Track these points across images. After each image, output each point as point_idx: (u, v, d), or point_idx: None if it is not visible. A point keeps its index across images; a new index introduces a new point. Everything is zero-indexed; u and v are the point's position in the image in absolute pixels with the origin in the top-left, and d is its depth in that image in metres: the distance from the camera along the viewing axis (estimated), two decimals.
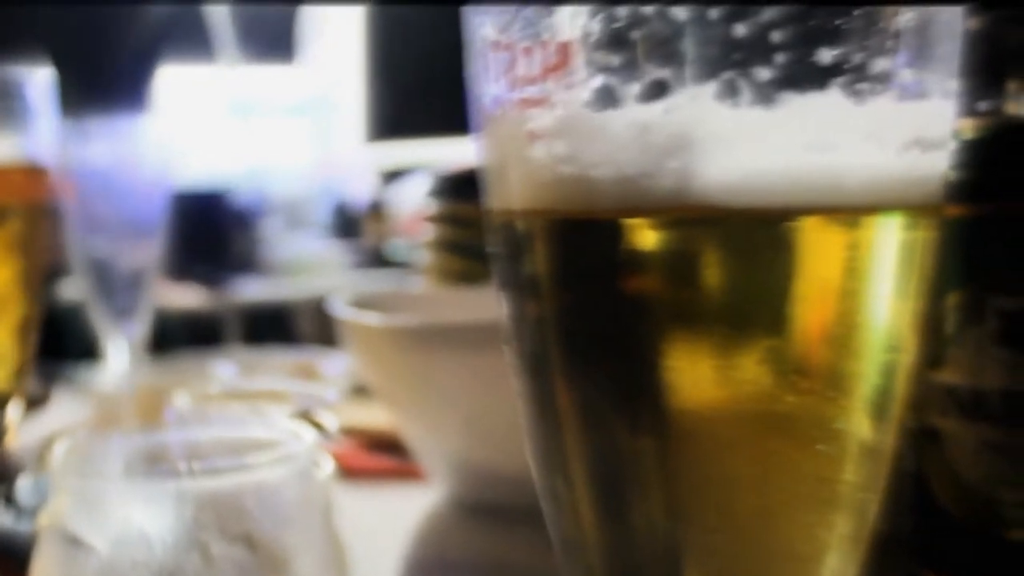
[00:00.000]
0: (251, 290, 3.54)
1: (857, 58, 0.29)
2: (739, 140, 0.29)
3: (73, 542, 0.58)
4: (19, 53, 0.80)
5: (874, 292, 0.31)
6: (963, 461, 0.60)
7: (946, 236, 0.32)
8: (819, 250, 0.30)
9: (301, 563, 0.59)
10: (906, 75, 0.30)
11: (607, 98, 0.30)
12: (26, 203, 0.81)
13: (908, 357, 0.33)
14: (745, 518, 0.32)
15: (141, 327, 1.32)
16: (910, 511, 0.62)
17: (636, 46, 0.30)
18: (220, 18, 3.84)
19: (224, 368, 1.11)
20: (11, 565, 0.66)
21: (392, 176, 3.75)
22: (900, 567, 0.64)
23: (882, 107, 0.29)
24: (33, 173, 0.82)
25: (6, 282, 0.82)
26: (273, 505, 0.59)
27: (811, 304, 0.30)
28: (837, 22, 0.29)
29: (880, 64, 0.29)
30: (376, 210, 3.85)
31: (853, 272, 0.31)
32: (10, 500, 0.81)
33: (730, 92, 0.29)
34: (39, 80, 0.81)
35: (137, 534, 0.58)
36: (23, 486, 0.83)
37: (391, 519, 0.89)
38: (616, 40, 0.30)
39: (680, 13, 0.29)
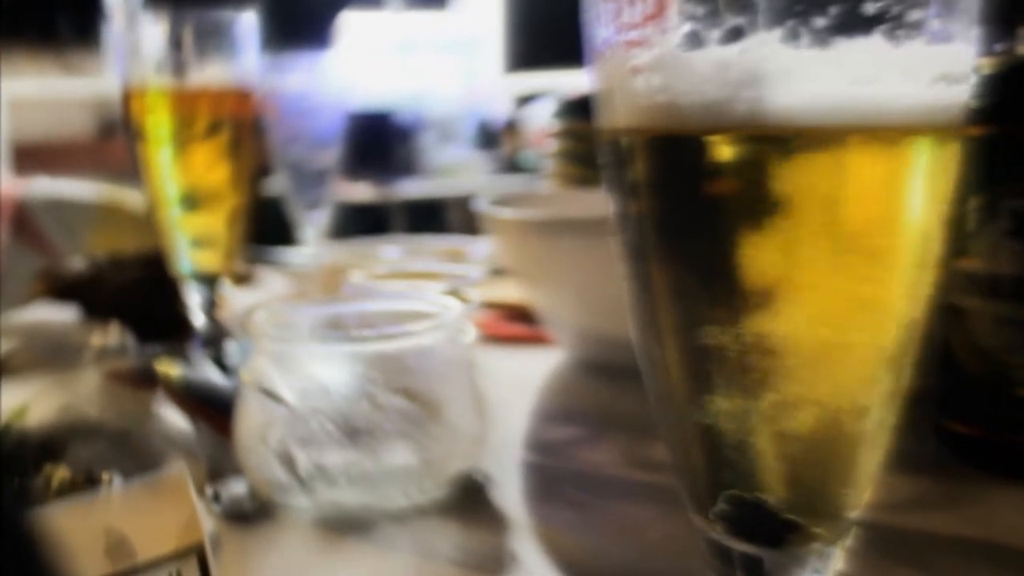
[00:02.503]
0: (412, 189, 3.55)
1: (896, 9, 0.29)
2: (799, 75, 0.29)
3: (267, 395, 0.60)
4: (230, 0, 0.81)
5: (910, 197, 0.31)
6: (982, 332, 0.59)
7: (968, 152, 0.32)
8: (864, 163, 0.30)
9: (450, 410, 0.60)
10: (935, 23, 0.29)
11: (694, 41, 0.30)
12: (236, 118, 0.83)
13: (937, 248, 0.32)
14: (805, 379, 0.32)
15: (325, 217, 1.34)
16: (938, 373, 0.62)
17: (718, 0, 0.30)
18: None
19: (390, 252, 1.12)
20: (219, 415, 0.67)
21: (525, 100, 3.73)
22: (928, 417, 0.64)
23: (915, 49, 0.29)
24: (242, 95, 0.83)
25: (221, 180, 0.83)
26: (428, 364, 0.60)
27: (858, 206, 0.30)
28: None
29: (914, 14, 0.29)
30: (511, 127, 3.82)
31: (893, 180, 0.31)
32: (219, 360, 0.83)
33: (792, 36, 0.29)
34: (246, 21, 0.82)
35: (319, 388, 0.59)
36: (230, 350, 0.85)
37: (523, 376, 0.89)
38: None
39: None
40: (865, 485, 0.35)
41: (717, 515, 0.35)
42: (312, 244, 1.32)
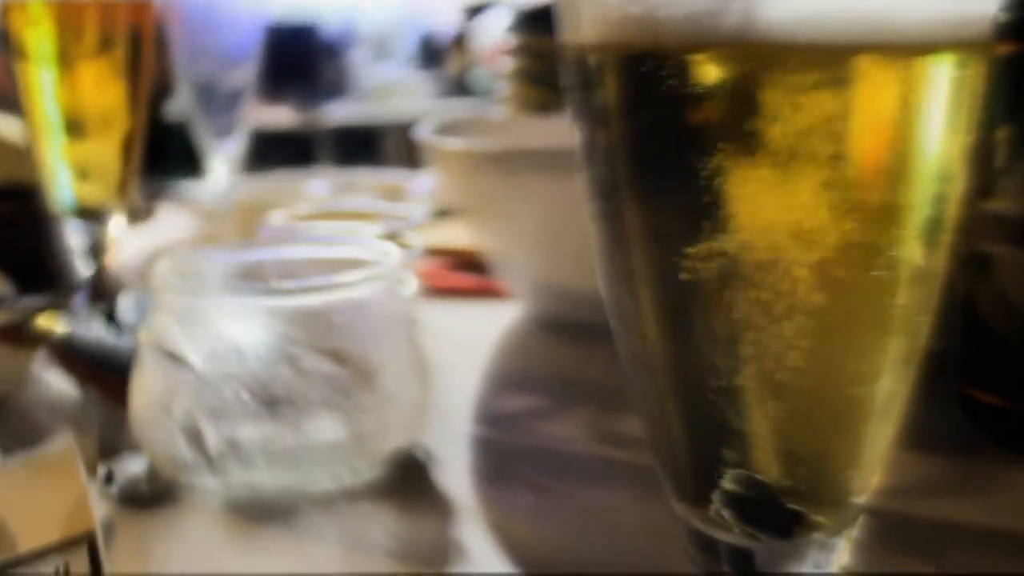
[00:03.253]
0: (341, 113, 3.53)
1: None
2: None
3: (170, 357, 0.59)
4: None
5: (926, 126, 0.31)
6: (1012, 284, 0.59)
7: (995, 73, 0.32)
8: (873, 86, 0.30)
9: (386, 376, 0.60)
10: None
11: None
12: (132, 30, 0.82)
13: (959, 187, 0.32)
14: (802, 339, 0.32)
15: (238, 146, 1.33)
16: (959, 334, 0.62)
17: None
18: None
19: (316, 188, 1.12)
20: (112, 380, 0.66)
21: (475, 10, 3.70)
22: (948, 386, 0.65)
23: None
24: (139, 4, 0.82)
25: (112, 101, 0.82)
26: (361, 321, 0.60)
27: (865, 137, 0.30)
28: None
29: None
30: (459, 42, 3.80)
31: (906, 107, 0.30)
32: (112, 317, 0.81)
33: None
34: None
35: (231, 349, 0.58)
36: (124, 303, 0.83)
37: (472, 334, 0.89)
38: None
39: None
40: (874, 466, 0.35)
41: (716, 499, 0.35)
42: (223, 178, 1.31)
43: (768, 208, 0.31)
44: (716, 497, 0.35)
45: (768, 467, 0.34)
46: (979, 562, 0.52)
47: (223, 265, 0.67)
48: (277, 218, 0.84)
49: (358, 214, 0.88)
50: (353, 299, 0.60)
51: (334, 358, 0.59)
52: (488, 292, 0.99)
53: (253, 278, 0.66)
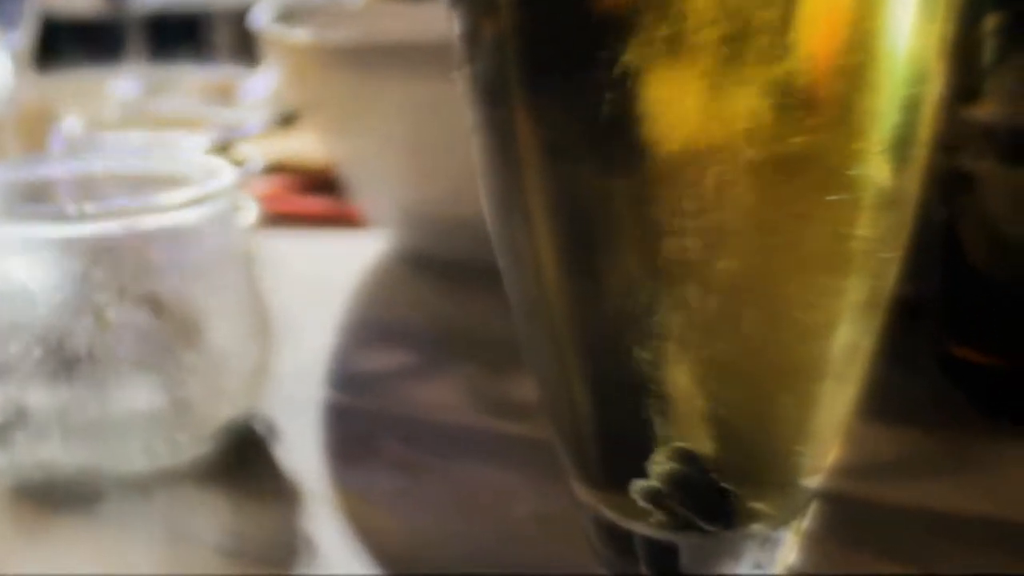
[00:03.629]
0: None
1: None
2: None
3: None
4: None
5: (894, 10, 0.31)
6: (1002, 211, 0.60)
7: None
8: None
9: (216, 328, 0.60)
10: None
11: None
12: None
13: (935, 89, 0.32)
14: (738, 279, 0.32)
15: (25, 36, 1.31)
16: (937, 273, 0.63)
17: None
18: None
19: (124, 87, 1.11)
20: None
21: None
22: (924, 339, 0.65)
23: None
24: None
25: None
26: (182, 258, 0.59)
27: (819, 24, 0.30)
28: None
29: None
30: None
31: None
32: None
33: None
34: None
35: (18, 292, 0.57)
36: None
37: (324, 274, 0.89)
38: None
39: None
40: (830, 440, 0.35)
41: (632, 482, 0.35)
42: (5, 76, 1.29)
43: (697, 114, 0.31)
44: (636, 481, 0.35)
45: (697, 440, 0.34)
46: (964, 561, 0.52)
47: (4, 185, 0.66)
48: (72, 125, 0.83)
49: (178, 121, 0.87)
50: (172, 229, 0.59)
51: (149, 305, 0.58)
52: (343, 220, 0.99)
53: (42, 200, 0.65)
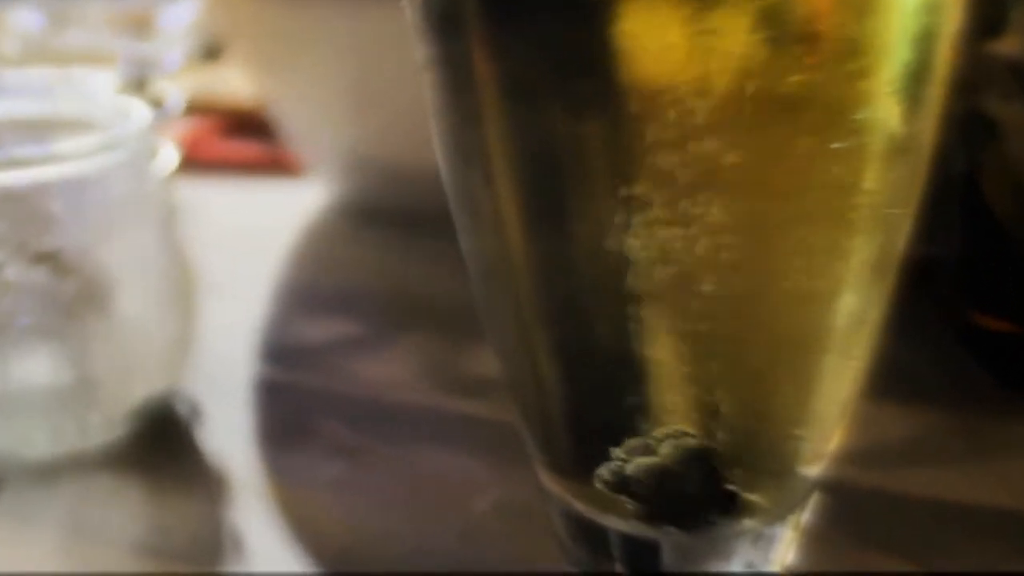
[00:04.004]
0: None
1: None
2: None
3: None
4: None
5: None
6: None
7: None
8: None
9: (128, 292, 0.59)
10: None
11: None
12: None
13: (953, 20, 0.32)
14: (727, 235, 0.32)
15: None
16: (956, 231, 0.63)
17: None
18: None
19: (24, 18, 1.10)
20: None
21: None
22: (942, 307, 0.65)
23: None
24: None
25: None
26: (90, 211, 0.59)
27: None
28: None
29: None
30: None
31: None
32: None
33: None
34: None
35: None
36: None
37: (255, 229, 0.89)
38: None
39: None
40: (833, 423, 0.35)
41: (606, 470, 0.35)
42: None
43: (681, 47, 0.31)
44: (607, 467, 0.35)
45: (680, 422, 0.34)
46: (983, 557, 0.52)
47: None
48: None
49: (86, 56, 0.87)
50: (78, 178, 0.59)
51: (51, 265, 0.58)
52: (276, 167, 0.99)
53: None
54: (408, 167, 0.74)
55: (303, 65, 0.86)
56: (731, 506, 0.35)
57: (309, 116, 0.90)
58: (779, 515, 0.35)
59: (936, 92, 0.33)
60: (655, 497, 0.35)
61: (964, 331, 0.64)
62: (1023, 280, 0.61)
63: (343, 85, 0.85)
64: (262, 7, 0.85)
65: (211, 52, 1.03)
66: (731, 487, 0.34)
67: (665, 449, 0.34)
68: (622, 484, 0.35)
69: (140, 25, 1.08)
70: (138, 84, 0.68)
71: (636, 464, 0.34)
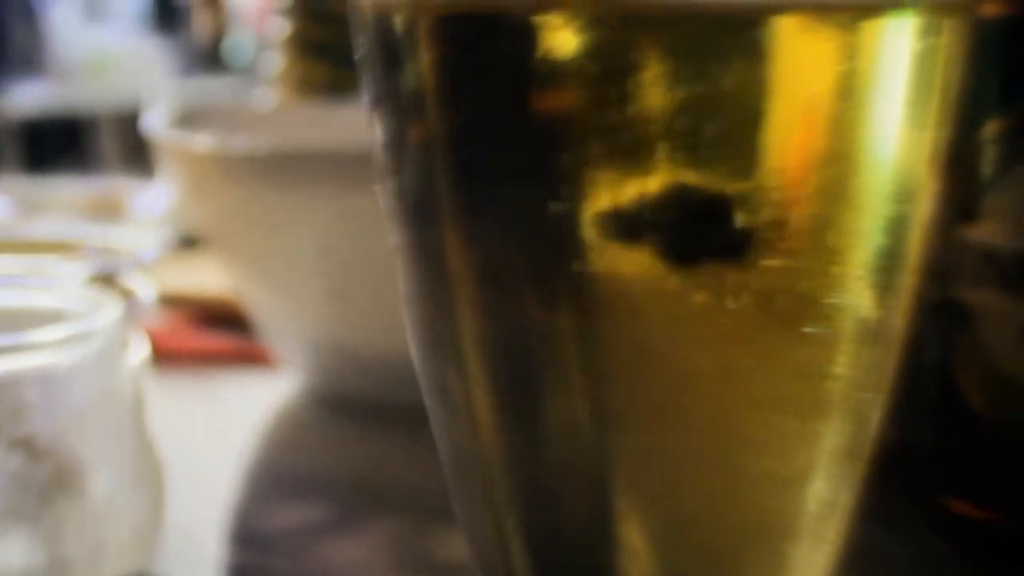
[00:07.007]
0: (34, 96, 3.52)
1: None
2: None
3: None
4: None
5: (877, 119, 0.31)
6: (1004, 349, 0.60)
7: (980, 43, 0.32)
8: (802, 60, 0.30)
9: (99, 477, 0.59)
10: None
11: None
12: None
13: (925, 208, 0.33)
14: (698, 424, 0.32)
15: None
16: (929, 418, 0.63)
17: None
18: None
19: None
20: None
21: None
22: (914, 492, 0.65)
23: None
24: None
25: None
26: (63, 400, 0.59)
27: (790, 135, 0.30)
28: None
29: None
30: None
31: (849, 91, 0.30)
32: None
33: None
34: None
35: None
36: None
37: (227, 418, 0.89)
38: None
39: None
40: None
41: None
42: None
43: (646, 237, 0.31)
44: None
45: None
46: None
47: None
48: None
49: (56, 244, 0.87)
50: (48, 370, 0.59)
51: (24, 450, 0.58)
52: (249, 359, 0.99)
53: None
54: (380, 357, 0.74)
55: (277, 255, 0.87)
56: None
57: (283, 307, 0.90)
58: None
59: (909, 279, 0.33)
60: None
61: (938, 517, 0.64)
62: (999, 468, 0.61)
63: (317, 275, 0.85)
64: (235, 195, 0.86)
65: (184, 241, 1.03)
66: None
67: None
68: None
69: (113, 211, 1.08)
70: (109, 275, 0.68)
71: None
